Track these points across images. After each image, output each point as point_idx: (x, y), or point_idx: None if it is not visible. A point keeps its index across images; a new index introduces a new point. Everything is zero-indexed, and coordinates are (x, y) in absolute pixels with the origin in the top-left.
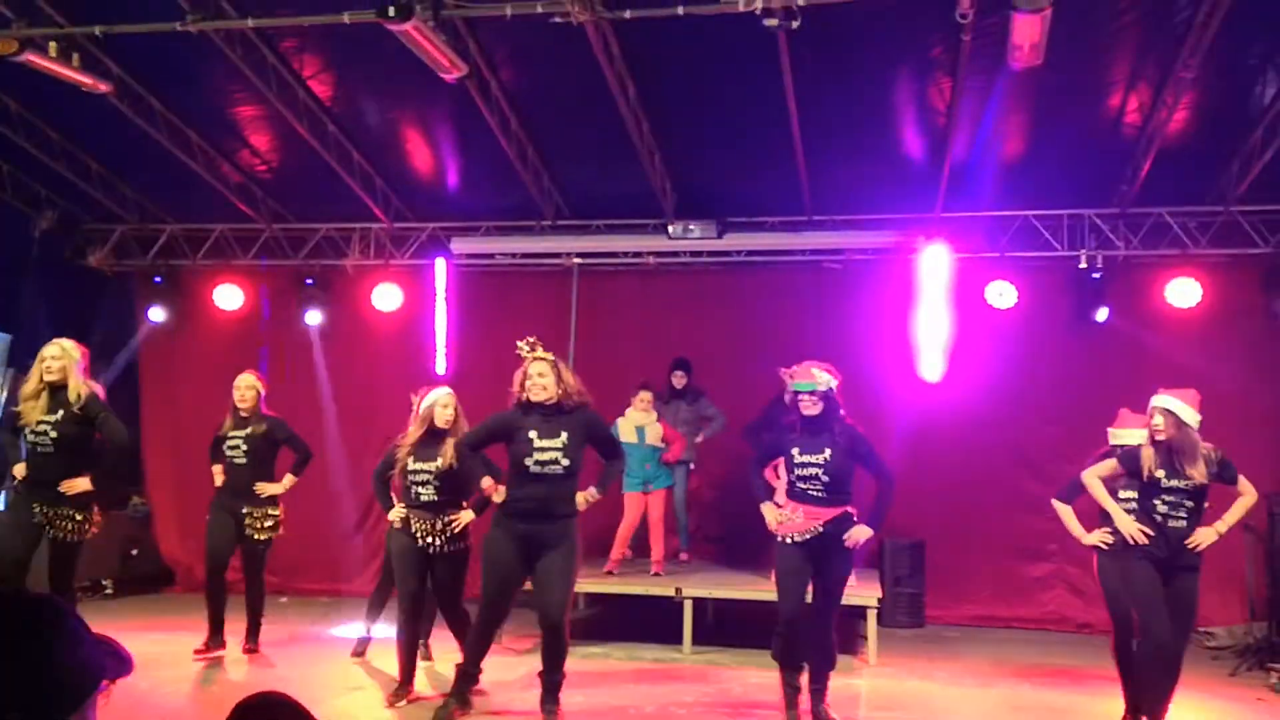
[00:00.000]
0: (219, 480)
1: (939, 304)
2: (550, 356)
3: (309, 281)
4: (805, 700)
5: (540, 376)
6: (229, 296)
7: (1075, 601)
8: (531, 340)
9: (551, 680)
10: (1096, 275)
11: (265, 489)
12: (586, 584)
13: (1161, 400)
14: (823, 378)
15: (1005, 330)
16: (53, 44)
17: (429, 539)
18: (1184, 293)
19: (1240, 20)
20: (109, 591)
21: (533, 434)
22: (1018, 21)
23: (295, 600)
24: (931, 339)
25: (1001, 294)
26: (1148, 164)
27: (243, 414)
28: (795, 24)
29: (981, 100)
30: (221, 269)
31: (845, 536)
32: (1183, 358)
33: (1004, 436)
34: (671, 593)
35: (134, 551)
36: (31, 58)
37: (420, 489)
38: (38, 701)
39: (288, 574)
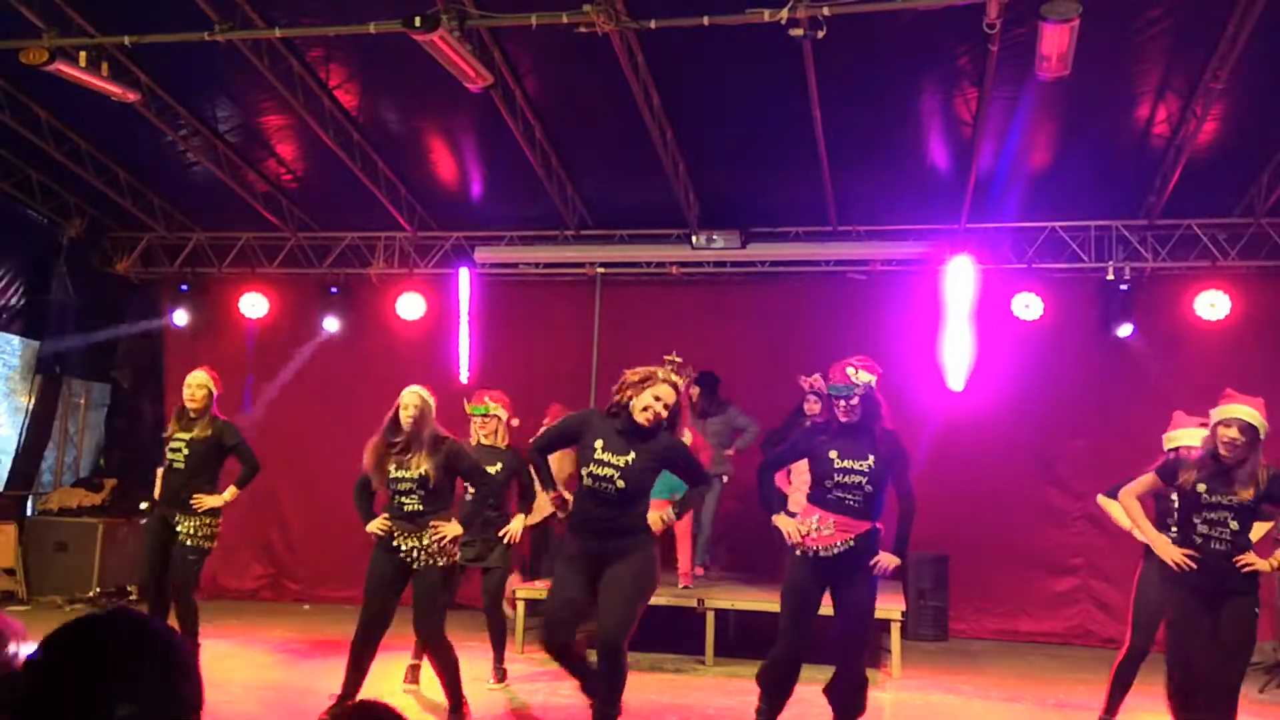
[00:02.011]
0: (158, 489)
1: (964, 315)
2: (681, 383)
3: (333, 290)
4: None
5: (663, 406)
6: (254, 305)
7: (1100, 616)
8: (677, 361)
9: (604, 715)
10: (1124, 287)
11: (203, 502)
12: None
13: (1240, 411)
14: (861, 377)
15: (1031, 342)
16: (82, 53)
17: (414, 551)
18: (1213, 305)
19: (1270, 31)
20: (134, 597)
21: (599, 442)
22: (1046, 31)
23: (317, 608)
24: (957, 351)
25: (1028, 306)
26: (1176, 175)
27: (191, 415)
28: (821, 34)
29: (1008, 111)
30: (247, 277)
31: (873, 562)
32: (1212, 371)
33: (1030, 449)
34: (694, 604)
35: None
36: (61, 67)
37: (404, 499)
38: None
39: (310, 582)
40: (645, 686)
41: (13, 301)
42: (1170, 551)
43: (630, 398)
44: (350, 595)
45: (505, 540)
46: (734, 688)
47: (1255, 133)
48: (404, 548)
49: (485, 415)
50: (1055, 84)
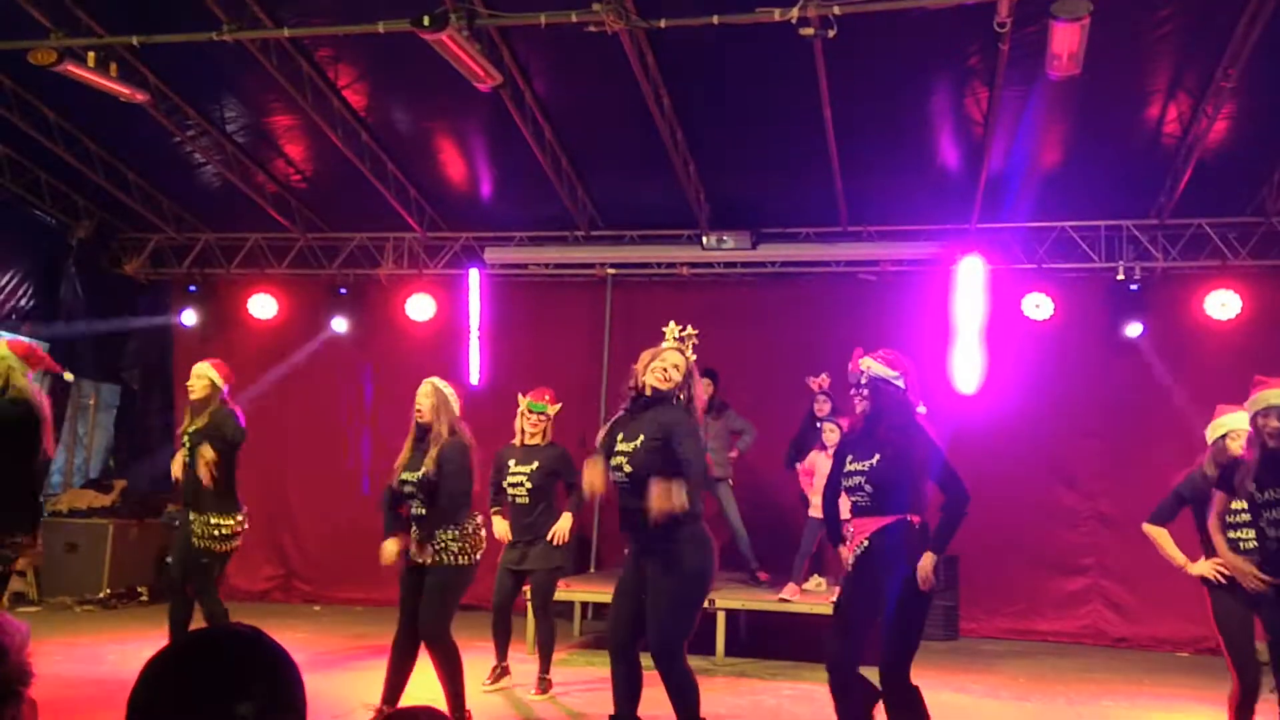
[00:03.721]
0: None
1: (975, 316)
2: (692, 357)
3: (342, 291)
4: None
5: (675, 369)
6: (263, 305)
7: (1111, 616)
8: (685, 333)
9: None
10: (1134, 287)
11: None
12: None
13: (1278, 398)
14: (874, 368)
15: (1042, 342)
16: (91, 54)
17: (420, 556)
18: (1223, 304)
19: None
20: (144, 599)
21: (620, 435)
22: (1056, 30)
23: (327, 609)
24: (967, 351)
25: (1038, 306)
26: (1187, 174)
27: (196, 408)
28: (831, 33)
29: (1019, 110)
30: (256, 278)
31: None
32: (1223, 371)
33: (1040, 449)
34: (705, 604)
35: (168, 559)
36: (70, 68)
37: (412, 502)
38: None
39: (321, 583)
40: (654, 685)
41: (22, 302)
42: (1245, 574)
43: (642, 377)
44: (361, 597)
45: (554, 542)
46: (744, 688)
47: (1266, 132)
48: (414, 556)
49: (542, 413)
50: (1066, 83)
